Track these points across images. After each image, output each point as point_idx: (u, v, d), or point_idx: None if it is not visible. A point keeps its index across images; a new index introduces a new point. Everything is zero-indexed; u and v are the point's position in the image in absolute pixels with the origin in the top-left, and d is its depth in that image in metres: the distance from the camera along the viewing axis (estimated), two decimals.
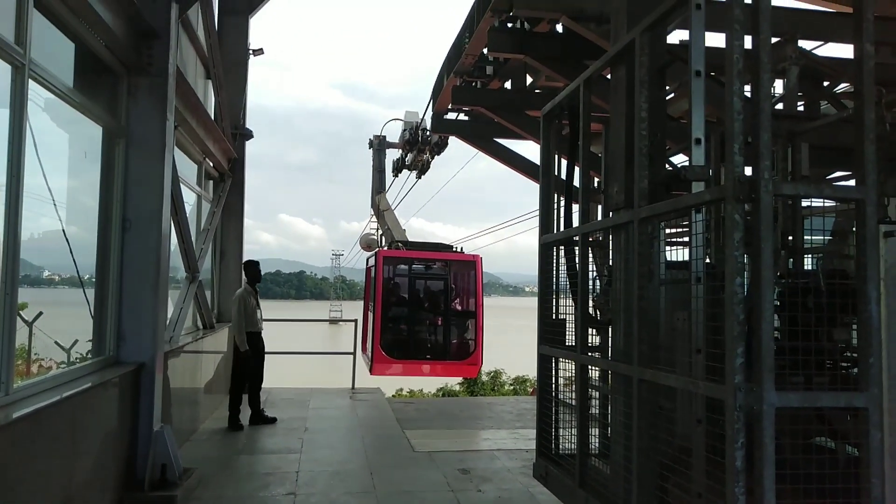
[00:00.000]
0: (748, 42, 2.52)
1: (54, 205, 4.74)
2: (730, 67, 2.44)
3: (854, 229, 4.25)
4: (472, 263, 11.92)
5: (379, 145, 15.81)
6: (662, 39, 3.50)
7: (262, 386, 8.27)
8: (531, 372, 21.66)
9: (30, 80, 3.98)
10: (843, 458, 3.42)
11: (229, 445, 7.01)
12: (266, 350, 8.37)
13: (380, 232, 14.78)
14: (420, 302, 11.94)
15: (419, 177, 15.18)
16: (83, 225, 5.51)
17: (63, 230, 4.91)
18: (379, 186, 15.29)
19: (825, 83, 7.57)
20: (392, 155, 15.85)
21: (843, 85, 7.96)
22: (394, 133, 15.52)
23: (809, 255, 4.08)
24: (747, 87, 2.55)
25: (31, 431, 3.65)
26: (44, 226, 4.91)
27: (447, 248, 12.26)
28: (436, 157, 14.09)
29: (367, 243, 14.74)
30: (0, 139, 3.88)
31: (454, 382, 20.05)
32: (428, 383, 19.88)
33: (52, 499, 3.92)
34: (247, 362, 7.91)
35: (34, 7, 4.04)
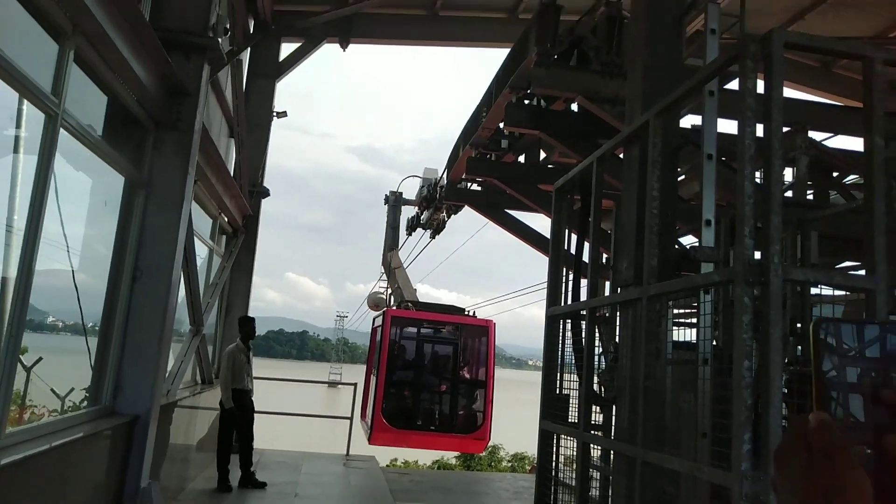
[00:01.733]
0: (759, 130, 2.60)
1: (67, 251, 4.79)
2: (741, 153, 2.50)
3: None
4: (484, 329, 11.19)
5: (395, 201, 15.66)
6: (675, 122, 3.60)
7: (255, 446, 8.08)
8: (530, 448, 21.07)
9: (61, 129, 4.12)
10: None
11: None
12: (260, 410, 8.23)
13: (389, 291, 14.30)
14: (427, 367, 11.22)
15: (433, 236, 14.81)
16: (94, 272, 5.56)
17: (73, 276, 4.94)
18: (391, 243, 14.99)
19: (835, 174, 7.72)
20: (407, 214, 15.66)
21: (852, 176, 8.10)
22: (411, 191, 15.44)
23: None
24: (758, 174, 2.61)
25: (19, 479, 3.56)
26: (54, 270, 4.95)
27: (459, 311, 11.65)
28: (452, 216, 13.76)
29: (374, 302, 14.31)
30: (25, 184, 3.99)
31: (451, 456, 19.47)
32: (424, 455, 19.33)
33: None
34: (231, 420, 7.75)
35: (74, 61, 4.22)
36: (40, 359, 4.67)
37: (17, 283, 3.80)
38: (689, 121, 5.16)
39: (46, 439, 4.04)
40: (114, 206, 5.48)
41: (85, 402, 5.41)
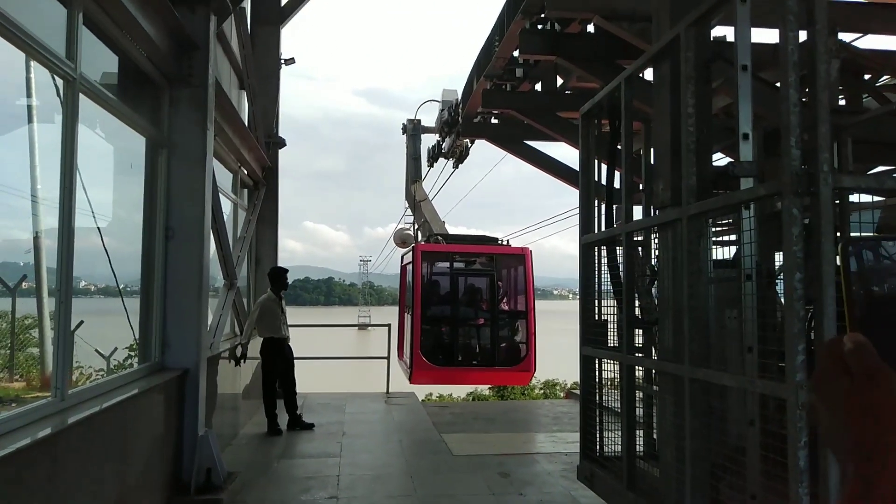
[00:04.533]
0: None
1: (93, 215, 4.82)
2: (784, 59, 2.40)
3: None
4: (521, 257, 10.60)
5: (413, 130, 14.43)
6: (707, 34, 3.46)
7: (298, 391, 8.33)
8: (561, 375, 21.49)
9: (80, 94, 4.09)
10: None
11: (269, 450, 7.09)
12: (299, 356, 8.44)
13: (416, 227, 13.47)
14: (463, 301, 10.65)
15: (456, 165, 13.84)
16: (129, 235, 5.65)
17: (101, 240, 5.00)
18: (414, 175, 13.95)
19: (866, 76, 7.42)
20: (427, 144, 14.44)
21: (883, 77, 7.79)
22: (429, 117, 14.41)
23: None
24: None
25: (86, 436, 3.74)
26: (90, 236, 5.03)
27: (492, 240, 10.94)
28: (476, 141, 12.78)
29: (401, 239, 13.43)
30: (52, 151, 4.00)
31: (484, 387, 19.90)
32: (457, 389, 19.80)
33: (107, 501, 4.00)
34: (273, 368, 7.97)
35: (83, 23, 4.16)
36: (81, 322, 4.81)
37: (60, 248, 3.88)
38: (715, 33, 4.96)
39: (108, 396, 4.22)
40: (139, 167, 5.51)
41: (129, 361, 5.61)
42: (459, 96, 11.68)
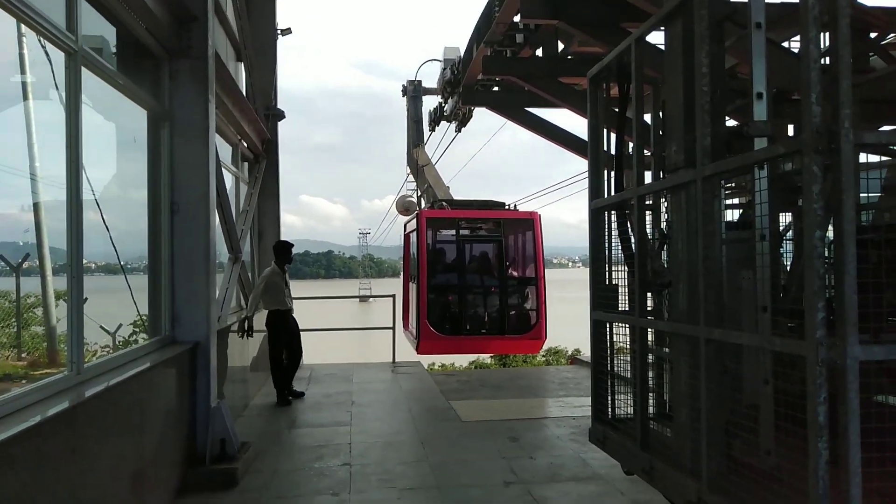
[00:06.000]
0: None
1: (92, 192, 4.76)
2: (805, 14, 2.36)
3: None
4: (529, 222, 10.30)
5: (414, 91, 13.92)
6: None
7: (304, 363, 8.37)
8: (563, 342, 21.64)
9: (82, 67, 4.03)
10: None
11: (280, 420, 7.17)
12: (305, 328, 8.48)
13: (418, 193, 13.07)
14: (471, 268, 10.38)
15: (459, 129, 13.40)
16: (130, 211, 5.62)
17: (102, 217, 4.95)
18: (416, 138, 13.48)
19: (872, 34, 7.33)
20: (428, 106, 13.92)
21: (890, 36, 7.69)
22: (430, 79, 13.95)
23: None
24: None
25: (103, 409, 3.77)
26: (90, 213, 4.99)
27: (499, 205, 10.63)
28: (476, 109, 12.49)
29: (404, 206, 12.95)
30: (49, 128, 3.95)
31: (486, 356, 20.02)
32: (460, 357, 19.94)
33: (125, 473, 4.06)
34: (279, 339, 8.02)
35: None
36: (86, 299, 4.81)
37: (69, 223, 3.86)
38: None
39: (122, 370, 4.25)
40: (142, 141, 5.46)
41: (133, 337, 5.63)
42: (462, 53, 11.32)
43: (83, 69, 4.06)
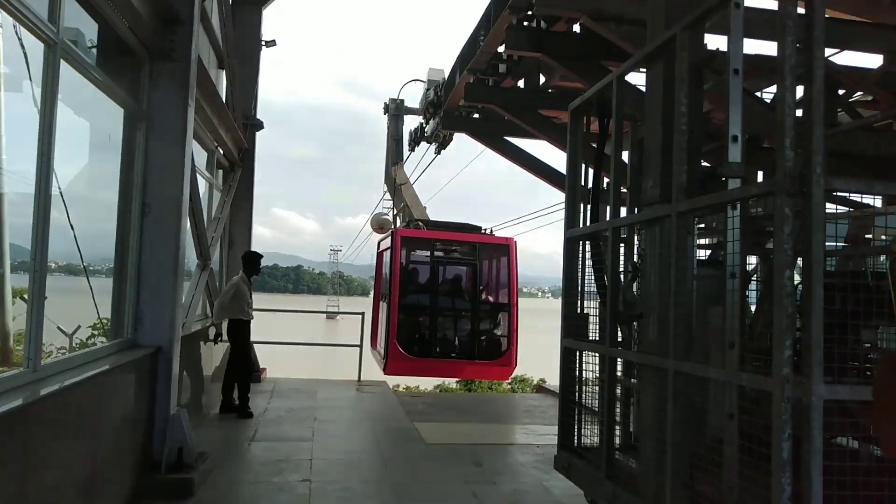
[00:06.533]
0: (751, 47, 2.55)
1: (59, 191, 4.64)
2: (782, 65, 2.47)
3: (868, 236, 4.33)
4: (504, 247, 10.28)
5: (396, 110, 13.85)
6: (701, 37, 3.52)
7: (269, 376, 8.26)
8: (529, 371, 21.66)
9: (61, 60, 3.96)
10: (867, 456, 3.47)
11: (241, 432, 7.01)
12: (274, 340, 8.38)
13: (394, 211, 12.93)
14: (443, 290, 10.24)
15: (439, 151, 13.25)
16: (97, 211, 5.51)
17: (67, 215, 4.82)
18: (395, 156, 13.37)
19: (840, 91, 7.64)
20: (409, 126, 13.85)
21: (857, 94, 8.03)
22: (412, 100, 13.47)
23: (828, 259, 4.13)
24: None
25: (58, 409, 3.65)
26: (54, 211, 4.87)
27: (475, 228, 10.61)
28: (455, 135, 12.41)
29: (379, 224, 12.77)
30: (19, 122, 3.85)
31: (452, 379, 19.89)
32: (426, 379, 19.79)
33: (76, 477, 3.92)
34: (242, 351, 7.93)
35: None
36: (45, 298, 4.66)
37: (35, 219, 3.76)
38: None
39: (81, 370, 4.12)
40: (117, 140, 5.37)
41: (92, 340, 5.47)
42: (446, 76, 11.25)
43: (62, 62, 3.99)
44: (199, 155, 8.23)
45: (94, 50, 4.91)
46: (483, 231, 10.62)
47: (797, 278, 2.50)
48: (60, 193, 4.53)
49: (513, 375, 21.26)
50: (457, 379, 19.09)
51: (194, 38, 5.73)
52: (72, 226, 4.93)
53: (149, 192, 5.50)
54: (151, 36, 5.32)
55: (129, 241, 5.38)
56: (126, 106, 5.30)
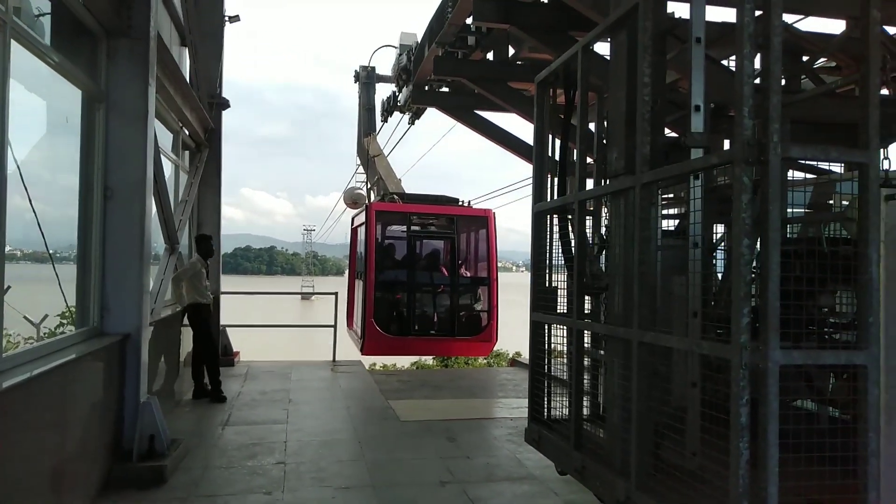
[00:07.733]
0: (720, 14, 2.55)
1: (20, 175, 4.50)
2: (741, 32, 2.46)
3: (830, 202, 4.40)
4: (483, 219, 10.01)
5: (367, 78, 13.23)
6: (664, 5, 3.51)
7: (243, 359, 8.20)
8: (504, 345, 21.84)
9: (11, 40, 3.82)
10: (826, 419, 3.57)
11: (213, 417, 6.97)
12: (250, 323, 8.31)
13: (368, 185, 12.49)
14: (420, 266, 9.93)
15: (413, 121, 12.79)
16: (60, 196, 5.35)
17: (30, 202, 4.68)
18: (367, 127, 12.80)
19: (805, 58, 7.71)
20: (381, 95, 13.29)
21: (820, 60, 8.11)
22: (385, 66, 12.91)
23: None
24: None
25: (23, 401, 3.58)
26: (15, 197, 4.72)
27: (453, 201, 10.27)
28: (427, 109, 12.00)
29: (352, 199, 12.34)
30: None
31: (428, 357, 19.96)
32: (403, 357, 19.83)
33: (44, 469, 3.87)
34: (208, 334, 7.90)
35: None
36: (9, 287, 4.55)
37: None
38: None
39: (45, 360, 4.04)
40: (75, 122, 5.21)
41: (60, 329, 5.36)
42: (419, 39, 10.77)
43: (13, 42, 3.84)
44: (163, 136, 8.03)
45: (48, 28, 4.73)
46: (461, 203, 10.37)
47: (757, 247, 2.54)
48: (21, 177, 4.40)
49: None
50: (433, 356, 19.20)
51: (153, 14, 5.55)
52: (35, 211, 4.79)
53: (111, 176, 5.36)
54: (107, 12, 5.15)
55: (93, 226, 5.25)
56: (83, 86, 5.14)
